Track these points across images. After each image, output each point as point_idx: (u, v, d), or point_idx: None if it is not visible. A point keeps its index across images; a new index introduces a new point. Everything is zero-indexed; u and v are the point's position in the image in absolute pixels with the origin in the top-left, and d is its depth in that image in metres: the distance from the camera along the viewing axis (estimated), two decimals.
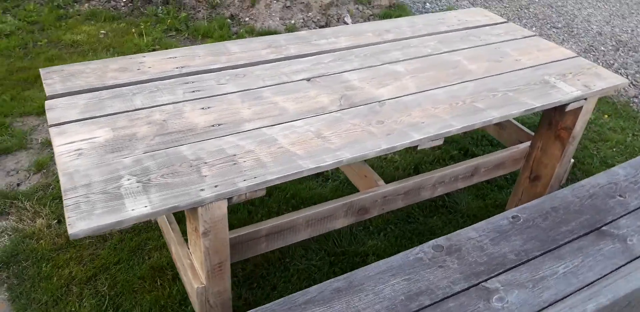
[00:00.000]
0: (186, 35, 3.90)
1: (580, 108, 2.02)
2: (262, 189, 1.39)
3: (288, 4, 3.93)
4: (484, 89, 1.88)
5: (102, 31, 3.82)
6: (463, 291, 1.25)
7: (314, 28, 3.93)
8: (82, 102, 1.61)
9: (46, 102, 1.60)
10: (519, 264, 1.33)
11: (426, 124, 1.66)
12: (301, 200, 2.57)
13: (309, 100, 1.72)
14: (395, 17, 4.23)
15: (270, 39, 2.10)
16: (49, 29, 3.83)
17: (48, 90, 1.64)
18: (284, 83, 1.81)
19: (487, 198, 2.67)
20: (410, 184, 2.02)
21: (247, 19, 3.96)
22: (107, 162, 1.38)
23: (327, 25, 4.01)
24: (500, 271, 1.29)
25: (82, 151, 1.41)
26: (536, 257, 1.35)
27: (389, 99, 1.77)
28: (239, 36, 3.82)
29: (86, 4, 4.15)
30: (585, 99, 1.98)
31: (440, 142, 1.67)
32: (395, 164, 2.85)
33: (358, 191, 2.33)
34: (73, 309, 1.97)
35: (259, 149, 1.47)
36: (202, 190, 1.31)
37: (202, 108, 1.63)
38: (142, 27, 3.89)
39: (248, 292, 2.07)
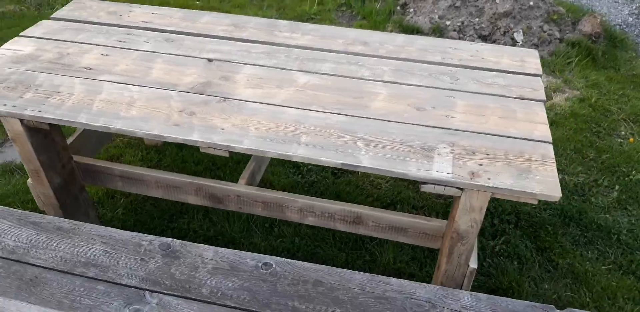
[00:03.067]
0: (352, 12, 4.05)
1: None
2: (45, 123, 1.69)
3: (458, 4, 3.61)
4: (340, 128, 1.61)
5: None
6: (123, 285, 1.30)
7: (471, 35, 3.54)
8: (56, 26, 2.13)
9: (42, 20, 2.18)
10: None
11: (225, 131, 1.60)
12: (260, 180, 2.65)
13: (177, 75, 1.84)
14: (581, 50, 3.40)
15: (243, 19, 2.18)
16: None
17: (54, 14, 2.22)
18: (186, 56, 1.95)
19: (425, 269, 2.23)
20: (266, 196, 1.94)
21: (411, 9, 3.83)
22: (1, 68, 1.89)
23: (489, 36, 3.55)
24: (158, 290, 1.29)
25: (2, 56, 1.95)
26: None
27: (237, 99, 1.73)
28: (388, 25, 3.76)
29: None
30: (462, 189, 1.47)
31: (223, 153, 1.58)
32: (373, 190, 2.57)
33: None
34: None
35: (79, 94, 1.74)
36: (4, 105, 1.70)
37: (103, 54, 1.95)
38: None
39: (135, 216, 2.40)
